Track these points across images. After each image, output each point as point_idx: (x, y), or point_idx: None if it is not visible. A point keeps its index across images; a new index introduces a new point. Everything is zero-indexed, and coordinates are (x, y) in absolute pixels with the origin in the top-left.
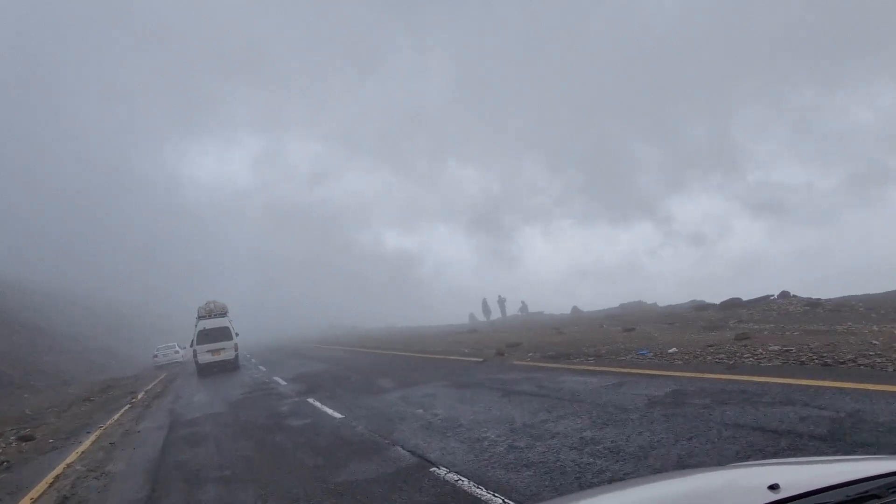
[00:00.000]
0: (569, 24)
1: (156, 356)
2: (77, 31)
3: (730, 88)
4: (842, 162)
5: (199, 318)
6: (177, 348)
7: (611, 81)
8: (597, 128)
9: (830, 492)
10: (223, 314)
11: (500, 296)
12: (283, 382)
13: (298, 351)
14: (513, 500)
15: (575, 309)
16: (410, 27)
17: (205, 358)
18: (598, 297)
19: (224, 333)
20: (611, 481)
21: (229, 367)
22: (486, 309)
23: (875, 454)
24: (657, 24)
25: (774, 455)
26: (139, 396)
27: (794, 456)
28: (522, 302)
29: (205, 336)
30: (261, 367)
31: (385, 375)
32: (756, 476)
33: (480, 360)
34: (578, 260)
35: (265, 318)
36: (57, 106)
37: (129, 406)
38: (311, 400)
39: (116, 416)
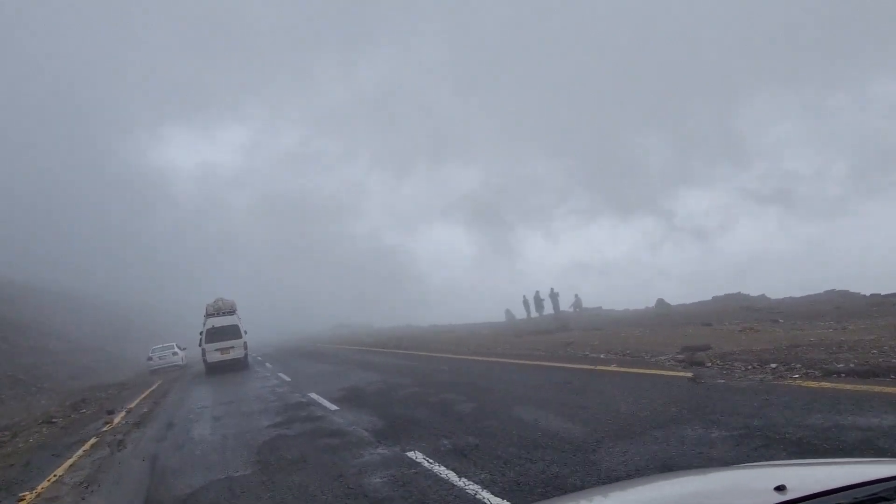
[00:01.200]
0: (569, 7)
1: (150, 359)
2: (52, 15)
3: (738, 77)
4: (855, 150)
5: (208, 315)
6: (175, 349)
7: (613, 69)
8: (600, 118)
9: (837, 494)
10: (232, 312)
11: (552, 289)
12: (332, 406)
13: (321, 353)
14: None
15: (661, 302)
16: (401, 7)
17: (213, 357)
18: (609, 293)
19: (233, 331)
20: None
21: (238, 366)
22: (538, 304)
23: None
24: (662, 9)
25: None
26: (116, 420)
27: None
28: (576, 296)
29: (213, 334)
30: (282, 376)
31: (541, 406)
32: (762, 477)
33: (686, 374)
34: (581, 256)
35: (264, 316)
36: (32, 91)
37: (95, 439)
38: (425, 461)
39: (62, 469)
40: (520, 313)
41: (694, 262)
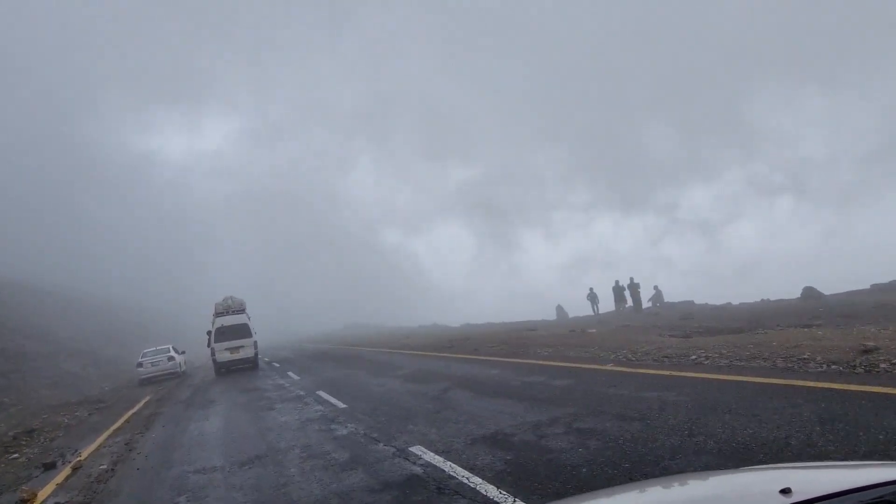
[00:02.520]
0: None
1: (140, 365)
2: None
3: (748, 62)
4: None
5: (217, 314)
6: (171, 353)
7: (617, 55)
8: (603, 107)
9: (843, 497)
10: (241, 310)
11: (631, 279)
12: None
13: (360, 359)
14: None
15: (810, 291)
16: None
17: (223, 356)
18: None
19: (243, 330)
20: None
21: (248, 365)
22: (618, 296)
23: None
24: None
25: None
26: (41, 495)
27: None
28: (656, 288)
29: (223, 333)
30: (326, 398)
31: None
32: (768, 480)
33: None
34: (586, 251)
35: (266, 316)
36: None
37: None
38: None
39: None
40: (577, 308)
41: (729, 256)
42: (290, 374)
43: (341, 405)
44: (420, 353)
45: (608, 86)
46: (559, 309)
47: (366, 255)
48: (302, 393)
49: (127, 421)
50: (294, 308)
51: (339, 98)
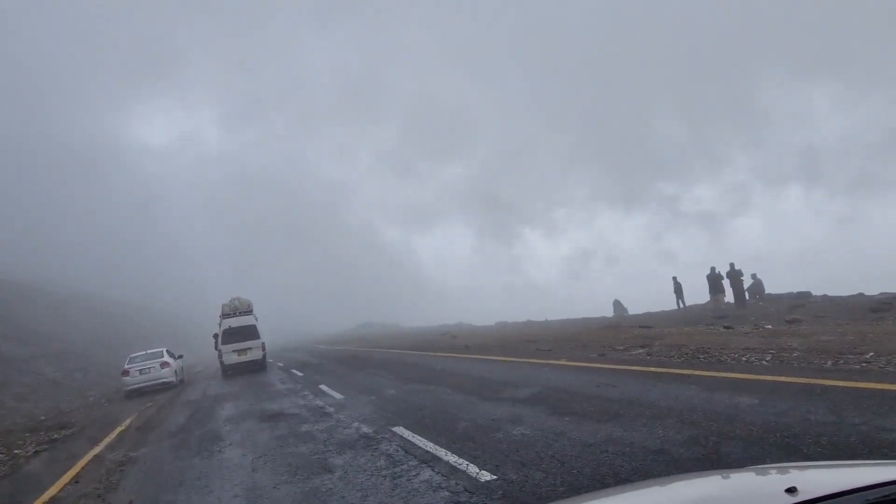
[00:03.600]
0: None
1: (126, 373)
2: None
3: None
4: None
5: (224, 316)
6: (165, 358)
7: (622, 45)
8: (609, 97)
9: (849, 496)
10: (249, 311)
11: (731, 265)
12: None
13: (415, 366)
14: None
15: None
16: None
17: (230, 358)
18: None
19: (251, 332)
20: None
21: (256, 367)
22: (715, 286)
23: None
24: None
25: None
26: None
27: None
28: (754, 277)
29: (230, 335)
30: (442, 455)
31: None
32: (773, 479)
33: None
34: (596, 247)
35: (264, 316)
36: None
37: None
38: None
39: None
40: (638, 304)
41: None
42: (323, 388)
43: (478, 474)
44: (501, 358)
45: (612, 77)
46: (617, 304)
47: (367, 253)
48: (367, 430)
49: (75, 478)
50: (295, 308)
51: (337, 94)
